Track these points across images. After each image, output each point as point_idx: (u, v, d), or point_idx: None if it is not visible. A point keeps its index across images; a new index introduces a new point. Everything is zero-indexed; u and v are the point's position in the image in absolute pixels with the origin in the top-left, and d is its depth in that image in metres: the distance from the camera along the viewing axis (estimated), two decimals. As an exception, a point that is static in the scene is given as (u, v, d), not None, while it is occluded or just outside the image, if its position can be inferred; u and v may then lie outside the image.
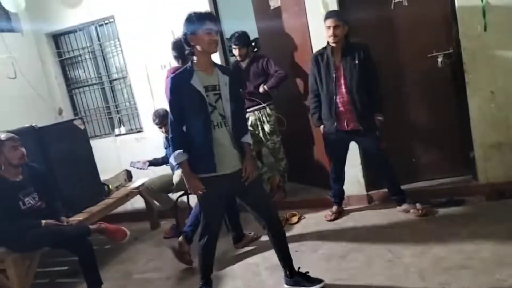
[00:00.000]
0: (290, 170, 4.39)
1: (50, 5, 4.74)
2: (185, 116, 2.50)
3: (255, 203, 2.69)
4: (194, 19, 2.44)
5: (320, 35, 3.77)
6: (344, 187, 3.87)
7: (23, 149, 3.01)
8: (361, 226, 3.55)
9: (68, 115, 5.03)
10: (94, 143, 4.87)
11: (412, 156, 3.94)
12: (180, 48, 2.99)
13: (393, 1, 3.70)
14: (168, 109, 2.65)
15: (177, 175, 3.91)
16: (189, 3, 4.16)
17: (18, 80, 4.63)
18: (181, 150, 2.50)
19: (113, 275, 3.59)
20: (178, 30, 4.30)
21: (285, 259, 2.75)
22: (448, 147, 3.83)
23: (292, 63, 4.25)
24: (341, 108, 3.43)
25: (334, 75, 3.40)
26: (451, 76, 3.67)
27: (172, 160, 2.54)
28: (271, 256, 3.00)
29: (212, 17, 2.51)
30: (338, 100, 3.41)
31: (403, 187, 3.72)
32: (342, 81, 3.40)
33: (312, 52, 3.87)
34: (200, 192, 2.53)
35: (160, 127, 4.09)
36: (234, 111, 2.54)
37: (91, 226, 3.19)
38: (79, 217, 3.59)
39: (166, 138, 4.24)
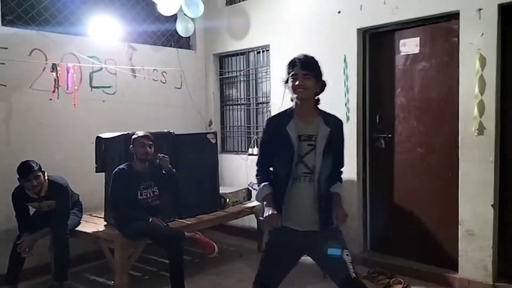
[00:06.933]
0: (396, 244, 4.02)
1: (220, 33, 5.36)
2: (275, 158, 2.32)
3: (328, 269, 2.34)
4: (287, 65, 2.29)
5: (470, 90, 3.38)
6: (467, 270, 3.37)
7: (151, 149, 3.40)
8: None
9: (216, 127, 5.54)
10: (229, 157, 5.36)
11: None
12: None
13: None
14: None
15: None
16: (337, 46, 4.20)
17: (182, 90, 5.33)
18: (267, 183, 2.31)
19: (204, 283, 3.79)
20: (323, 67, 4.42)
21: None
22: None
23: (427, 114, 3.84)
24: None
25: None
26: None
27: (257, 194, 2.34)
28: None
29: (304, 60, 2.24)
30: None
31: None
32: None
33: (459, 106, 3.47)
34: (272, 226, 2.23)
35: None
36: (326, 166, 2.25)
37: (186, 233, 3.41)
38: (189, 221, 3.91)
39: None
